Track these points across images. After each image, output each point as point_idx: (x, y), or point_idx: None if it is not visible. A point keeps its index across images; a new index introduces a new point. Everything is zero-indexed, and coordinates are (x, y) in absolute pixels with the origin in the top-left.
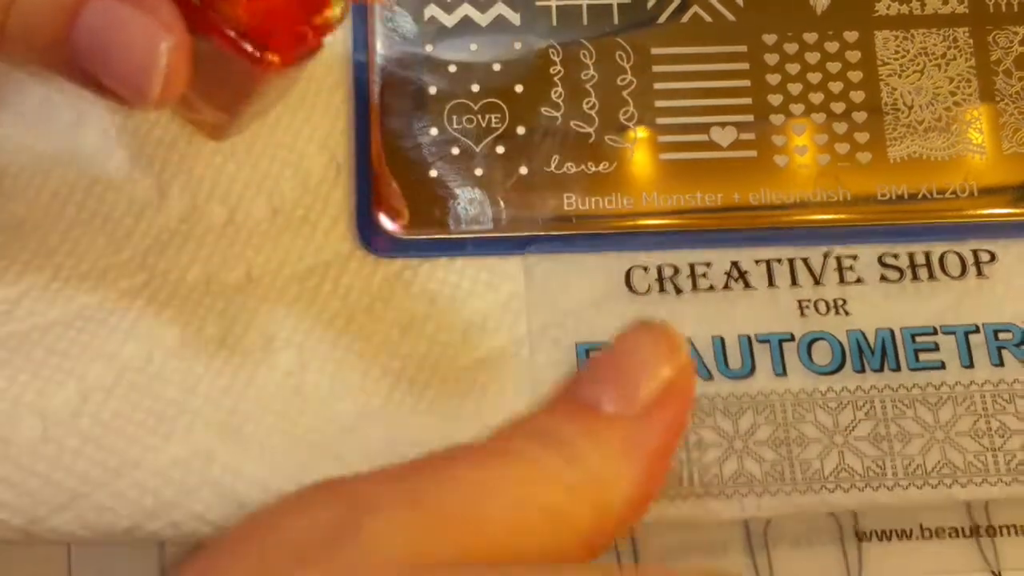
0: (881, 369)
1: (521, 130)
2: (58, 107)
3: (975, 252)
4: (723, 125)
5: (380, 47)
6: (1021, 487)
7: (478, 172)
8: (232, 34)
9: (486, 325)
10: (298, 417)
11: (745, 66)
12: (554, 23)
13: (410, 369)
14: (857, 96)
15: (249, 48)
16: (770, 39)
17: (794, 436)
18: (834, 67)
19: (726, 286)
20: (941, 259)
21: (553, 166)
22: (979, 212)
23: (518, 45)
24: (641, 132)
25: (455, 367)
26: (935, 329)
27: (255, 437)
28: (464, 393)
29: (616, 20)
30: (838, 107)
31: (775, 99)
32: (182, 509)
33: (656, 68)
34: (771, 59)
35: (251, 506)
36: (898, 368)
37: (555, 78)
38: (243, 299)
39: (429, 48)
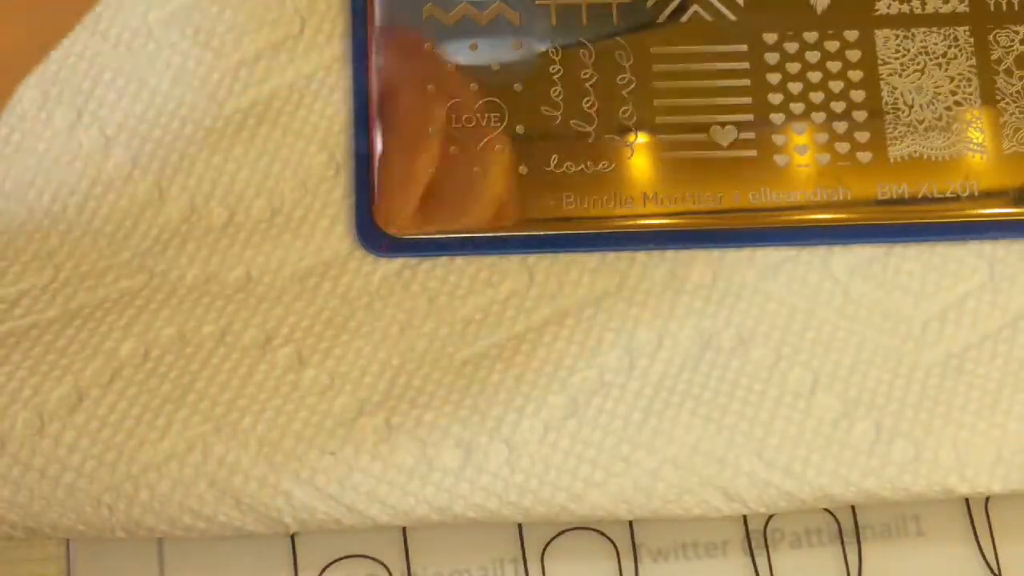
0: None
1: (520, 129)
2: (58, 107)
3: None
4: (723, 124)
5: (378, 46)
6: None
7: (477, 171)
8: None
9: (485, 322)
10: (295, 412)
11: (745, 65)
12: (553, 23)
13: (409, 365)
14: (857, 95)
15: None
16: (770, 38)
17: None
18: (834, 66)
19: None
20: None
21: (552, 165)
22: (980, 211)
23: (517, 44)
24: (641, 131)
25: (454, 363)
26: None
27: (252, 432)
28: (463, 388)
29: (615, 20)
30: (838, 106)
31: (775, 98)
32: (178, 504)
33: (656, 67)
34: (771, 58)
35: (247, 502)
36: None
37: (554, 77)
38: (243, 298)
39: (428, 47)
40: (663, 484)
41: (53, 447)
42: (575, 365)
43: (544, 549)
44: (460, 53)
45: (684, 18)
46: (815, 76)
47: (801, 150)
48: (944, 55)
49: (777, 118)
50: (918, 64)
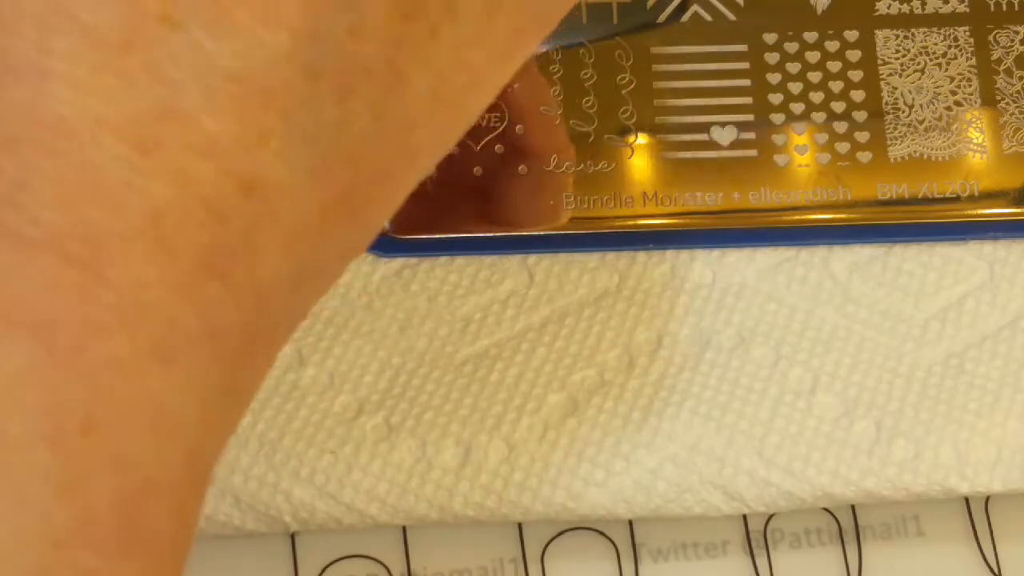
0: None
1: (520, 129)
2: None
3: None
4: (723, 124)
5: None
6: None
7: (477, 171)
8: None
9: (485, 321)
10: (295, 411)
11: (745, 65)
12: None
13: (409, 364)
14: (857, 95)
15: None
16: (770, 38)
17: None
18: (834, 66)
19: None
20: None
21: (552, 165)
22: (980, 211)
23: None
24: (641, 132)
25: (454, 362)
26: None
27: (252, 430)
28: (463, 387)
29: (615, 19)
30: (838, 106)
31: (775, 98)
32: None
33: (656, 67)
34: (771, 58)
35: (247, 500)
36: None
37: (554, 77)
38: None
39: None
40: (663, 483)
41: None
42: (575, 364)
43: (544, 549)
44: None
45: (684, 18)
46: (815, 76)
47: (801, 150)
48: (944, 55)
49: (777, 118)
50: (918, 64)
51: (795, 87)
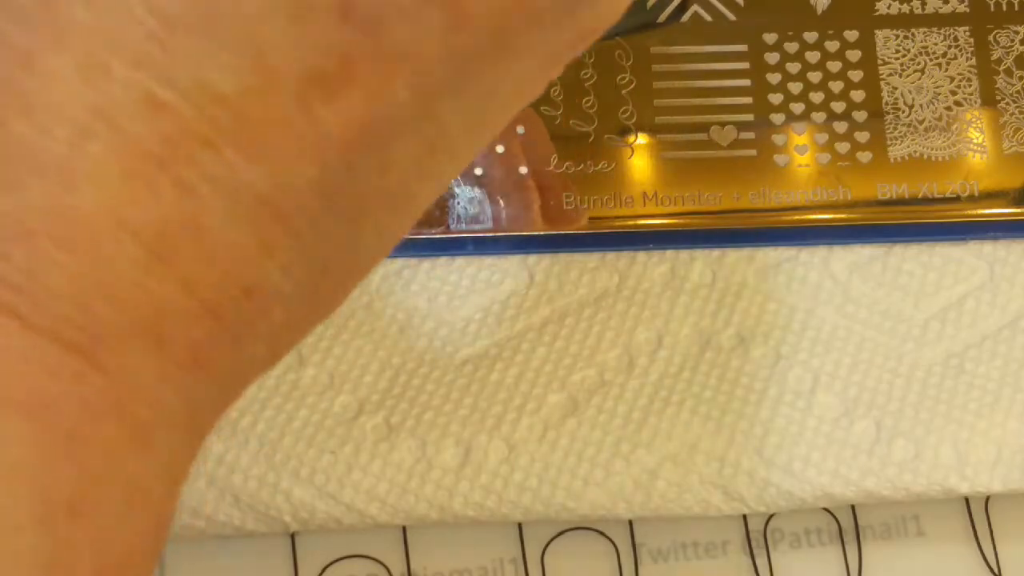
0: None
1: (520, 129)
2: None
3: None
4: (723, 124)
5: None
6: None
7: (478, 171)
8: None
9: (485, 321)
10: (295, 411)
11: (745, 65)
12: None
13: (409, 364)
14: (857, 95)
15: None
16: (770, 38)
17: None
18: (834, 66)
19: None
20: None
21: (552, 165)
22: (980, 211)
23: None
24: (641, 132)
25: (454, 362)
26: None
27: (252, 430)
28: (463, 387)
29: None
30: (838, 106)
31: (775, 98)
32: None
33: (656, 67)
34: (771, 58)
35: (247, 500)
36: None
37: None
38: None
39: None
40: (663, 482)
41: None
42: (575, 364)
43: (544, 549)
44: None
45: (684, 18)
46: (815, 76)
47: (801, 150)
48: (944, 55)
49: (777, 118)
50: (918, 64)
51: (795, 87)
